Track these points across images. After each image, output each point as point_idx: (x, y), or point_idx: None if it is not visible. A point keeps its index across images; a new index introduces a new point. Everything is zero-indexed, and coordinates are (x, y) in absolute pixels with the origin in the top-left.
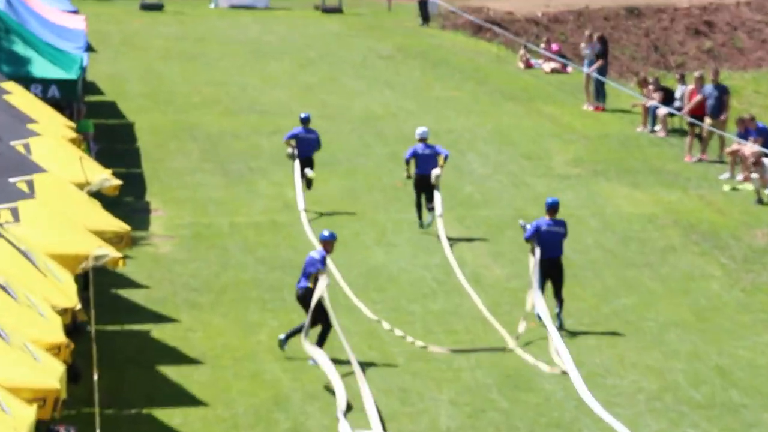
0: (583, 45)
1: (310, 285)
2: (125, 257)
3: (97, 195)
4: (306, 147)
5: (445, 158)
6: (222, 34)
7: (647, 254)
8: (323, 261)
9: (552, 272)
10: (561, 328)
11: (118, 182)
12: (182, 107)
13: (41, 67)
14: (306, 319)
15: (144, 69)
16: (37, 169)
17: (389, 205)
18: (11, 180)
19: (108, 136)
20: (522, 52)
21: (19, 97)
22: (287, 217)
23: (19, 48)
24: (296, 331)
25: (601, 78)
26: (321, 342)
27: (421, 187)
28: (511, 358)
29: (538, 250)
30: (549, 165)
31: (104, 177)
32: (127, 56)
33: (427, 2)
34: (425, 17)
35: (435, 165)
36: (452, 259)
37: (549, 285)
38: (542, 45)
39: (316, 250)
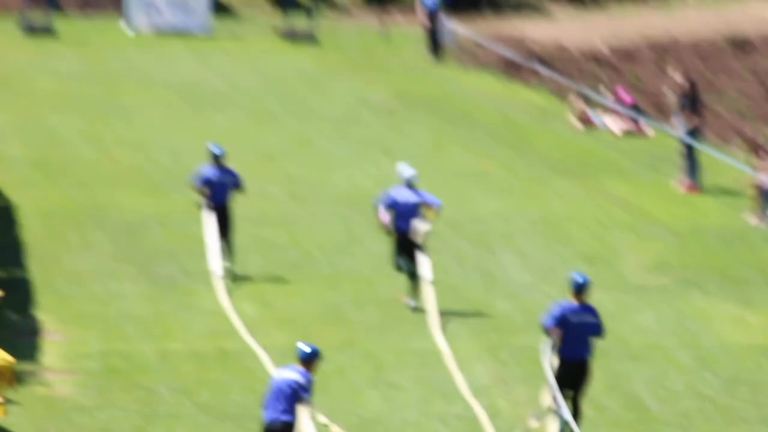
0: (667, 92)
1: (291, 419)
2: (5, 402)
3: None
4: (220, 191)
5: (437, 210)
6: (143, 73)
7: (763, 405)
8: (309, 386)
9: (576, 380)
10: None
11: None
12: (86, 181)
13: None
14: None
15: (29, 123)
16: None
17: (389, 327)
18: None
19: None
20: (578, 103)
21: None
22: (241, 343)
23: None
24: None
25: (692, 142)
26: None
27: (403, 247)
28: None
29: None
30: (619, 271)
31: None
32: (3, 105)
33: (437, 30)
34: (436, 49)
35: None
36: (474, 402)
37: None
38: (607, 93)
39: (295, 369)
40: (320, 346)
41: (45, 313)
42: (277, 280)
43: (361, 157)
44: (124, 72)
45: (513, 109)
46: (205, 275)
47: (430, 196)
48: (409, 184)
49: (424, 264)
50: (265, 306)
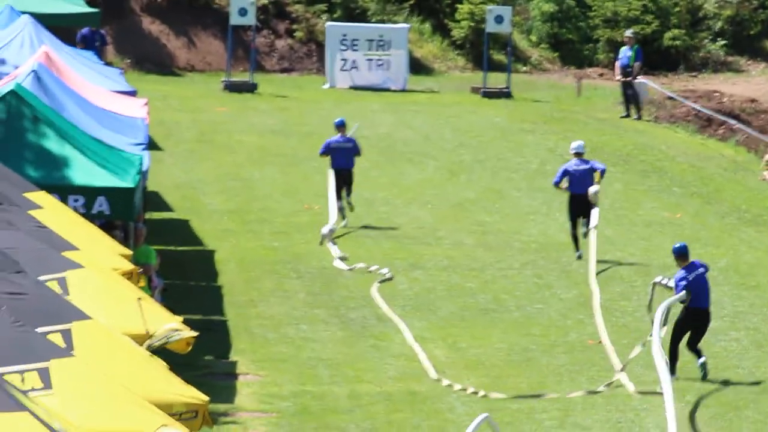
0: None
1: None
2: None
3: (161, 352)
4: (341, 156)
5: (602, 174)
6: None
7: None
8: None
9: (698, 325)
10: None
11: (191, 334)
12: (282, 230)
13: (84, 172)
14: None
15: (229, 175)
16: (77, 315)
17: (578, 371)
18: (41, 330)
19: (177, 269)
20: None
21: (53, 213)
22: (430, 385)
23: (53, 144)
24: None
25: None
26: None
27: (577, 209)
28: None
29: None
30: None
31: (172, 327)
32: (204, 157)
33: (633, 84)
34: (634, 105)
35: (591, 182)
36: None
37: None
38: None
39: None
40: (509, 390)
41: (240, 356)
42: (467, 324)
43: (551, 208)
44: (321, 126)
45: (704, 161)
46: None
47: (597, 163)
48: (579, 154)
49: (593, 215)
50: (455, 350)
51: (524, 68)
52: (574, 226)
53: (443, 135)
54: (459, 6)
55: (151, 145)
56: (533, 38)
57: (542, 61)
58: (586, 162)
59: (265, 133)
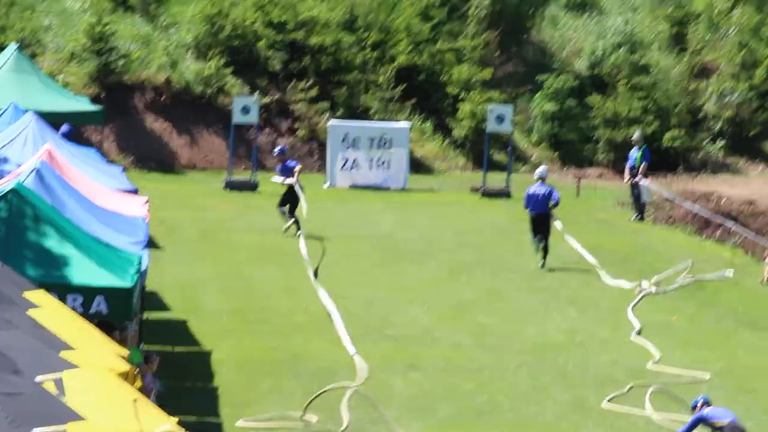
0: None
1: None
2: None
3: None
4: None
5: (554, 204)
6: (339, 226)
7: None
8: None
9: None
10: None
11: None
12: (282, 329)
13: (82, 271)
14: None
15: (229, 275)
16: (72, 416)
17: None
18: (36, 431)
19: (174, 369)
20: None
21: (50, 312)
22: None
23: (53, 243)
24: None
25: None
26: None
27: (536, 227)
28: None
29: None
30: None
31: (166, 429)
32: (205, 256)
33: (639, 186)
34: (636, 206)
35: (547, 205)
36: None
37: None
38: None
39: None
40: None
41: None
42: (464, 427)
43: (549, 308)
44: (322, 224)
45: (703, 264)
46: (390, 422)
47: (555, 192)
48: (541, 179)
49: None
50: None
51: (524, 167)
52: (535, 241)
53: (443, 234)
54: (460, 105)
55: (151, 244)
56: (534, 138)
57: (542, 160)
58: (545, 186)
59: (266, 231)
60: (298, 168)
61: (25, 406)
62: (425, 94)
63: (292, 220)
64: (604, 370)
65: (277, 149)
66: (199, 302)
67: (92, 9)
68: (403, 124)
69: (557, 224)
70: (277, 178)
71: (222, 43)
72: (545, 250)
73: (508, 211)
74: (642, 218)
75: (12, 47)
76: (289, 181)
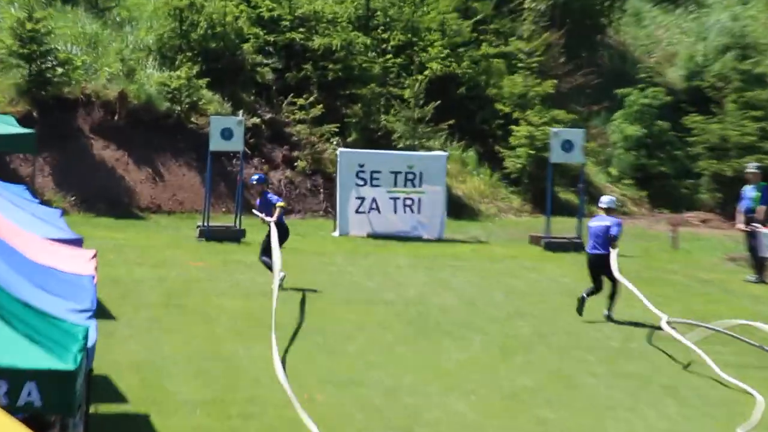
0: None
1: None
2: None
3: None
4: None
5: (612, 239)
6: (353, 289)
7: None
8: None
9: None
10: None
11: None
12: (274, 426)
13: (9, 349)
14: None
15: (204, 354)
16: None
17: None
18: None
19: None
20: None
21: None
22: None
23: None
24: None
25: None
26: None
27: (591, 272)
28: None
29: None
30: None
31: None
32: (172, 329)
33: (757, 235)
34: (755, 262)
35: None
36: None
37: None
38: None
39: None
40: None
41: None
42: None
43: (638, 400)
44: (331, 285)
45: None
46: None
47: (615, 224)
48: (605, 210)
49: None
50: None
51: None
52: (590, 291)
53: (493, 300)
54: (514, 128)
55: (102, 312)
56: (613, 171)
57: (625, 202)
58: (610, 219)
59: (253, 295)
60: (280, 204)
61: None
62: (466, 114)
63: (282, 274)
64: None
65: (254, 177)
66: (164, 390)
67: (20, 0)
68: (438, 154)
69: (612, 256)
70: (257, 213)
71: (195, 45)
72: (613, 297)
73: (579, 269)
74: (762, 279)
75: None
76: (269, 219)
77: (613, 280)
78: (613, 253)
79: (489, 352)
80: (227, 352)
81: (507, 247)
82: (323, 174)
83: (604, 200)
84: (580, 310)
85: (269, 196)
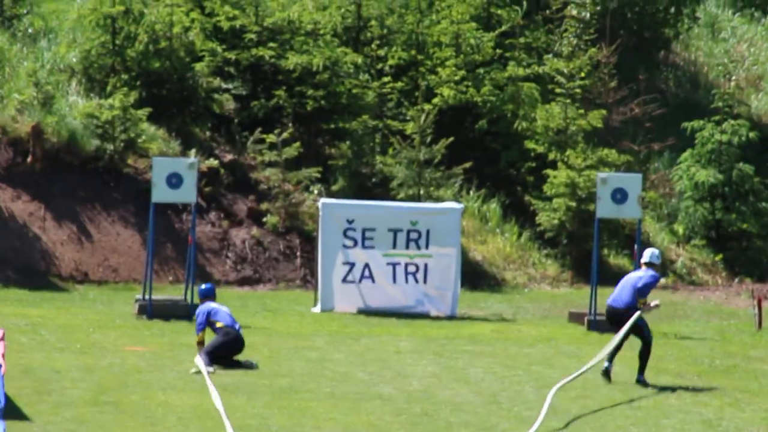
0: None
1: None
2: None
3: None
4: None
5: (643, 292)
6: (339, 380)
7: None
8: None
9: None
10: None
11: None
12: None
13: None
14: None
15: None
16: None
17: None
18: None
19: None
20: None
21: None
22: None
23: None
24: None
25: None
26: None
27: (611, 324)
28: None
29: None
30: None
31: None
32: None
33: None
34: None
35: (630, 296)
36: None
37: None
38: None
39: None
40: None
41: None
42: None
43: None
44: (310, 376)
45: None
46: None
47: (648, 277)
48: (646, 264)
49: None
50: None
51: (663, 280)
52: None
53: (521, 396)
54: (550, 173)
55: (11, 411)
56: (679, 229)
57: (694, 268)
58: (647, 272)
59: (208, 389)
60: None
61: None
62: (488, 155)
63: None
64: None
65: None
66: None
67: None
68: (450, 206)
69: (653, 305)
70: (199, 361)
71: (132, 65)
72: (644, 357)
73: (634, 355)
74: None
75: None
76: (204, 370)
77: (647, 342)
78: (637, 313)
79: None
80: None
81: (540, 327)
82: (300, 232)
83: (646, 254)
84: (606, 371)
85: (213, 311)
